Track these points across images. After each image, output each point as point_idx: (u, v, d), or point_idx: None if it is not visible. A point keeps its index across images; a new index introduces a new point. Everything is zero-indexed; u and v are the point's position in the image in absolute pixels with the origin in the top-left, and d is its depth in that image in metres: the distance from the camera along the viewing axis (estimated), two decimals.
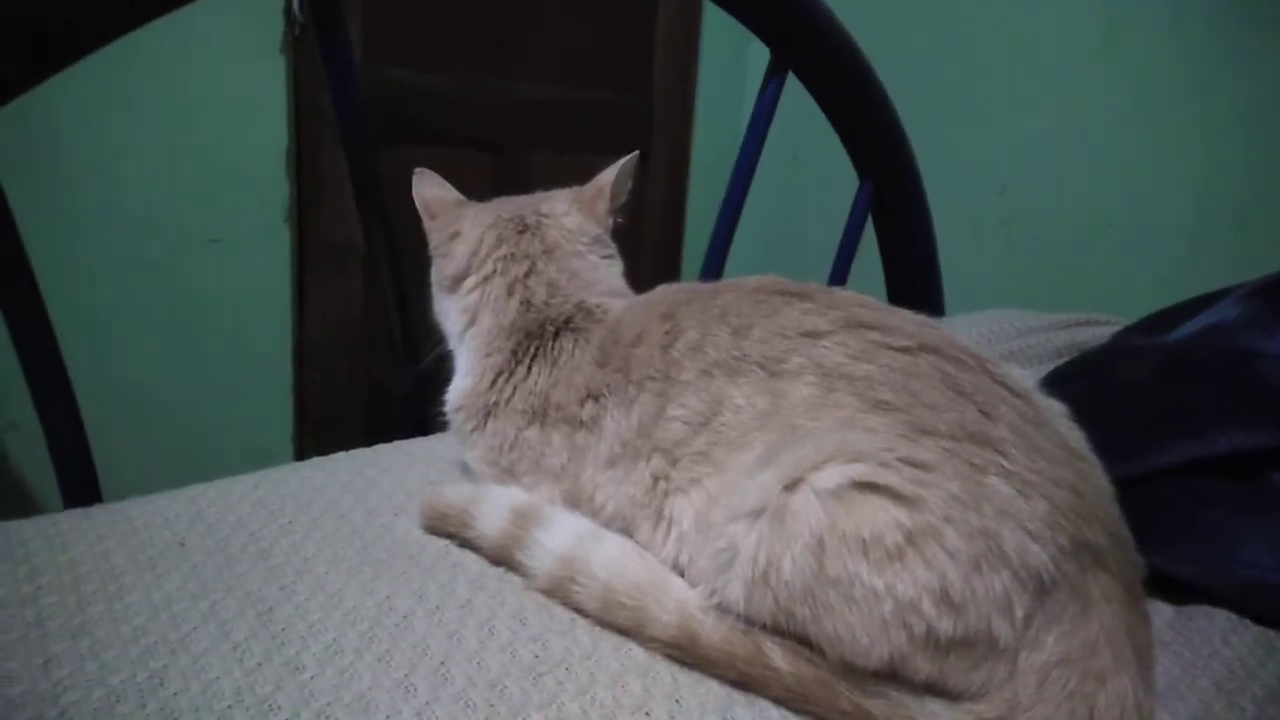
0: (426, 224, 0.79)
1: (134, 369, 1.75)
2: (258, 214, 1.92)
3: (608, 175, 0.78)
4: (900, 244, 1.30)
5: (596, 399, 0.67)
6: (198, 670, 0.49)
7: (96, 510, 0.68)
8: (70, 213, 1.63)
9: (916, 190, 1.28)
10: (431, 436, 0.88)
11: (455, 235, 0.76)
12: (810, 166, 1.84)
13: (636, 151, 0.78)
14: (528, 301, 0.73)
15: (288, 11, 1.84)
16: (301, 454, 2.03)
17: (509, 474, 0.69)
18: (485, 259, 0.75)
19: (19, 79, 0.61)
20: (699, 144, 2.56)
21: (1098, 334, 1.24)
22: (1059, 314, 1.35)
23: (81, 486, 0.73)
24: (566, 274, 0.74)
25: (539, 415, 0.69)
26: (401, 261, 0.87)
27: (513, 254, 0.74)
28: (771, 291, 0.63)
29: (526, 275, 0.73)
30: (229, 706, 0.47)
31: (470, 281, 0.75)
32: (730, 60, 2.51)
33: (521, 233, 0.75)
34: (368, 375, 2.07)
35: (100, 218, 1.69)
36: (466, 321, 0.75)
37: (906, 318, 0.61)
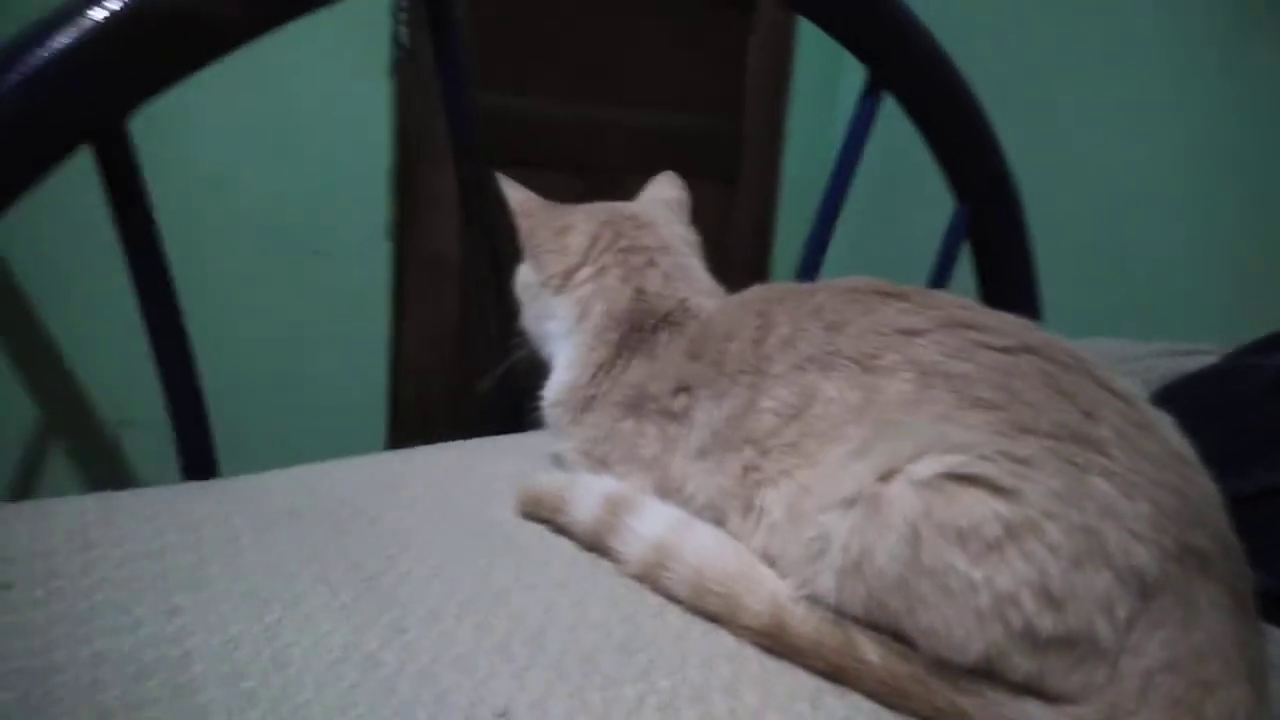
0: (523, 222, 0.81)
1: (234, 373, 1.83)
2: (360, 229, 2.00)
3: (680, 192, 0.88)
4: (998, 267, 1.28)
5: (688, 391, 0.68)
6: (309, 625, 0.52)
7: (216, 482, 0.73)
8: (186, 221, 1.72)
9: (1016, 213, 1.26)
10: (524, 433, 0.90)
11: (566, 229, 0.79)
12: (899, 190, 1.83)
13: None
14: (642, 290, 0.75)
15: (394, 35, 1.92)
16: None
17: (602, 464, 0.71)
18: (604, 251, 0.77)
19: (166, 70, 0.66)
20: (788, 167, 2.57)
21: (1202, 363, 1.20)
22: (1161, 343, 1.31)
23: (202, 464, 0.77)
24: (679, 270, 0.76)
25: (635, 407, 0.70)
26: (503, 270, 0.91)
27: (632, 246, 0.77)
28: (867, 291, 0.64)
29: (645, 266, 0.76)
30: (338, 659, 0.49)
31: (585, 273, 0.77)
32: (821, 84, 2.52)
33: (640, 228, 0.77)
34: (461, 386, 2.12)
35: (214, 228, 1.79)
36: (577, 315, 0.77)
37: (1006, 319, 0.61)
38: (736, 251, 2.49)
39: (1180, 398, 0.59)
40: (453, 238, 2.08)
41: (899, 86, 1.14)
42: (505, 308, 0.92)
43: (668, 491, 0.67)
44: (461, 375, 2.11)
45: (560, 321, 0.78)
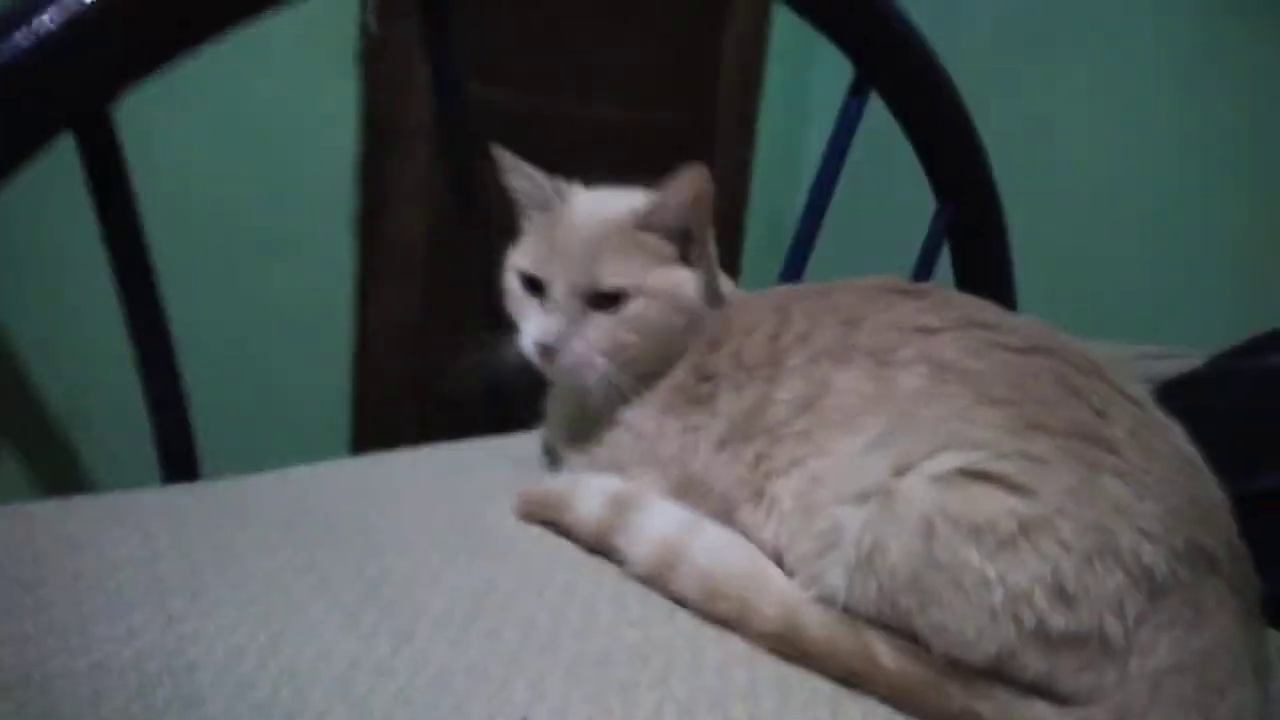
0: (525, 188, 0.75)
1: (194, 369, 1.79)
2: (325, 219, 1.96)
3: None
4: (979, 266, 1.29)
5: (711, 379, 0.67)
6: (314, 634, 0.50)
7: (200, 486, 0.70)
8: (144, 212, 1.67)
9: (997, 214, 1.27)
10: (514, 435, 0.89)
11: None
12: (878, 188, 1.83)
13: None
14: None
15: (362, 24, 1.88)
16: (357, 450, 2.05)
17: (614, 467, 0.69)
18: None
19: (152, 56, 0.63)
20: (760, 164, 2.58)
21: (1181, 366, 1.22)
22: (1138, 346, 1.33)
23: (182, 466, 0.74)
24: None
25: (656, 405, 0.69)
26: (491, 260, 0.88)
27: None
28: (887, 290, 0.64)
29: None
30: (348, 669, 0.47)
31: None
32: (794, 81, 2.53)
33: None
34: (424, 379, 2.09)
35: (173, 217, 1.73)
36: None
37: (1022, 321, 0.61)
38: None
39: (1168, 403, 0.60)
40: (421, 229, 2.05)
41: (885, 85, 1.14)
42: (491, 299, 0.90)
43: (685, 488, 0.66)
44: (425, 372, 2.08)
45: None
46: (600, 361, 0.68)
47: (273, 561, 0.57)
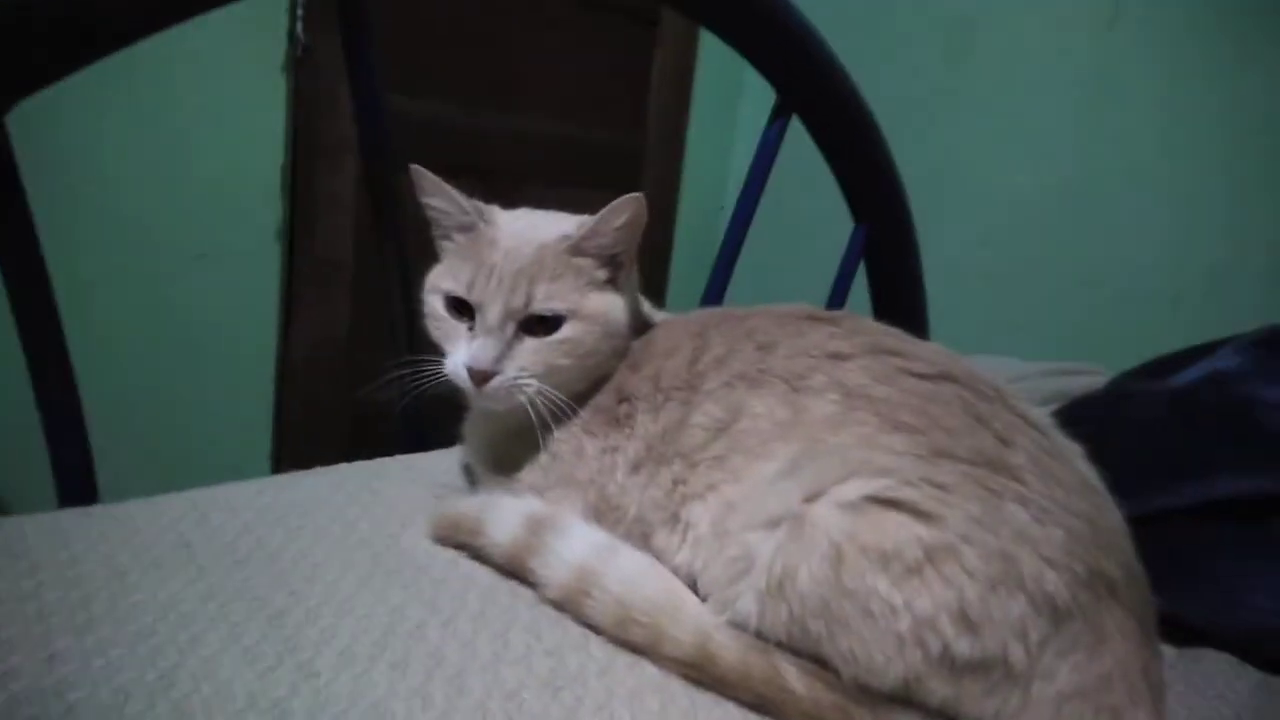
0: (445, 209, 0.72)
1: (114, 377, 1.72)
2: (249, 231, 1.91)
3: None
4: (892, 287, 1.32)
5: (629, 400, 0.68)
6: (209, 672, 0.48)
7: (96, 510, 0.67)
8: (60, 221, 1.61)
9: (910, 235, 1.31)
10: (433, 452, 0.87)
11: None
12: (798, 210, 1.87)
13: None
14: None
15: (291, 32, 1.85)
16: (278, 471, 2.00)
17: (533, 489, 0.68)
18: None
19: (50, 69, 0.61)
20: (687, 183, 2.60)
21: (1084, 383, 1.27)
22: (1045, 362, 1.38)
23: (80, 487, 0.71)
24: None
25: (575, 426, 0.69)
26: (410, 277, 0.87)
27: None
28: (800, 316, 0.65)
29: None
30: (242, 709, 0.45)
31: None
32: (722, 103, 2.56)
33: None
34: (349, 396, 2.05)
35: (91, 227, 1.67)
36: None
37: (929, 348, 0.62)
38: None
39: (1078, 423, 0.62)
40: (347, 241, 2.01)
41: (806, 110, 1.16)
42: (411, 317, 0.88)
43: (601, 511, 0.66)
44: (350, 387, 2.04)
45: None
46: (531, 385, 0.67)
47: (167, 591, 0.55)
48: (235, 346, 1.94)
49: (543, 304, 0.67)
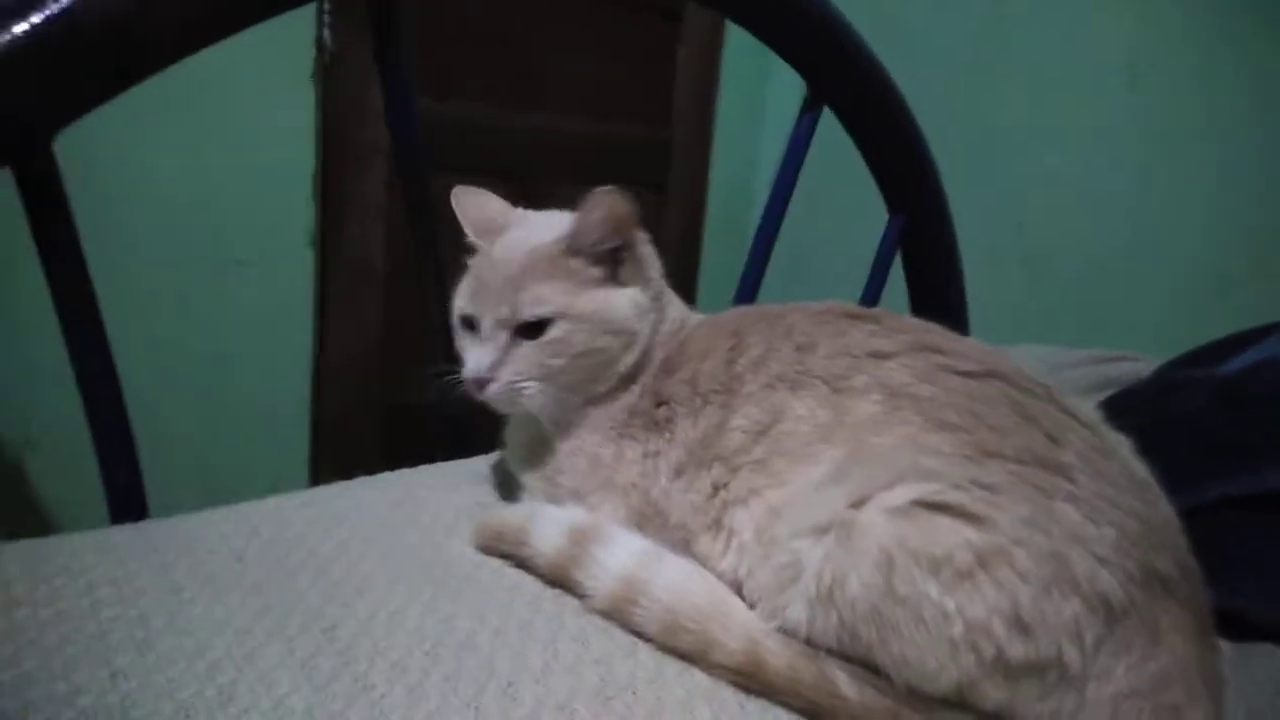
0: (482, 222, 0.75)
1: (152, 388, 1.75)
2: (283, 237, 1.93)
3: None
4: (930, 278, 1.31)
5: (668, 404, 0.68)
6: (267, 686, 0.49)
7: (148, 525, 0.68)
8: (100, 231, 1.63)
9: (947, 226, 1.29)
10: (474, 458, 0.88)
11: None
12: (831, 201, 1.85)
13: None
14: None
15: (319, 41, 1.86)
16: (316, 475, 2.02)
17: (574, 495, 0.68)
18: None
19: (93, 93, 0.62)
20: (715, 177, 2.59)
21: (1128, 369, 1.25)
22: (1088, 350, 1.36)
23: (128, 502, 0.72)
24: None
25: (614, 429, 0.69)
26: (446, 282, 0.87)
27: None
28: (838, 314, 0.64)
29: None
30: None
31: None
32: (749, 96, 2.54)
33: None
34: (384, 398, 2.07)
35: (129, 236, 1.70)
36: None
37: (972, 345, 0.62)
38: (665, 259, 2.49)
39: (1124, 414, 0.61)
40: (379, 245, 2.03)
41: (838, 101, 1.15)
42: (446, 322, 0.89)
43: (644, 516, 0.66)
44: (385, 388, 2.06)
45: None
46: (530, 387, 0.68)
47: (224, 606, 0.55)
48: (273, 351, 1.96)
49: (528, 309, 0.68)
